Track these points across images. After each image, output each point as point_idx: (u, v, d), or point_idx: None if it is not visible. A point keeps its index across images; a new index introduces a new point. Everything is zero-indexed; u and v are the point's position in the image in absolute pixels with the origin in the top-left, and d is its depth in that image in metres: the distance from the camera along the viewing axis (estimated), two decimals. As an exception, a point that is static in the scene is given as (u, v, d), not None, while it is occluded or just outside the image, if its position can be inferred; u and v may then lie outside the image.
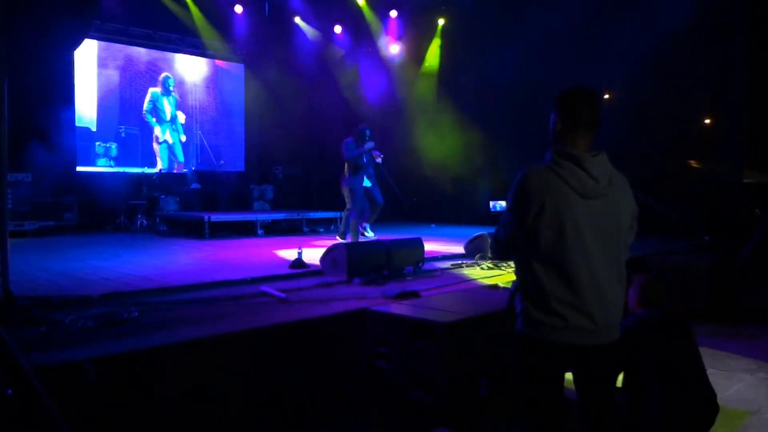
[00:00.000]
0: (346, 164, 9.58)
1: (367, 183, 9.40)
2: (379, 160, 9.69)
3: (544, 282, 2.58)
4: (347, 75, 16.04)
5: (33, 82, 10.98)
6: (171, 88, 14.93)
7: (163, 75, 14.86)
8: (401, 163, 14.12)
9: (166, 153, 14.85)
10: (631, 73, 11.24)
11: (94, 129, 13.72)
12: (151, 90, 14.67)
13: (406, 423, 4.40)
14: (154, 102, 14.69)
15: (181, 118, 15.24)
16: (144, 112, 14.55)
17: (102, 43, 13.73)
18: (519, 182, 2.63)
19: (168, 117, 14.90)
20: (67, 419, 1.92)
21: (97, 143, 13.73)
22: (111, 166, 13.65)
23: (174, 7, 14.23)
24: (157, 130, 14.71)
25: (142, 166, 14.28)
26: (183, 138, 15.23)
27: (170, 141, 14.93)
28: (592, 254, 2.56)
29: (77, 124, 13.36)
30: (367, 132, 9.46)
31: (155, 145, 14.68)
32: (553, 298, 2.56)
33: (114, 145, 13.95)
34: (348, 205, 9.71)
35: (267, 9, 14.75)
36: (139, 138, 14.53)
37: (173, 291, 5.77)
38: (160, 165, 14.58)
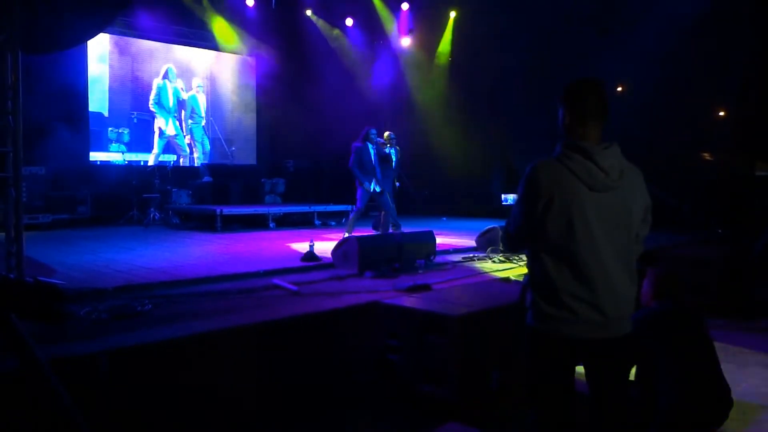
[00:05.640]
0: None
1: (376, 187, 9.31)
2: (387, 150, 9.63)
3: (554, 275, 2.57)
4: (358, 68, 16.01)
5: (46, 80, 11.06)
6: (172, 80, 14.99)
7: (165, 66, 14.93)
8: (413, 157, 14.11)
9: (163, 144, 14.92)
10: (644, 65, 11.16)
11: (106, 115, 13.84)
12: (155, 82, 14.76)
13: (418, 417, 4.40)
14: (159, 94, 14.78)
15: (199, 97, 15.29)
16: (150, 105, 14.66)
17: (114, 36, 13.81)
18: (528, 175, 2.62)
19: (170, 107, 14.97)
20: (80, 411, 1.93)
21: (110, 129, 13.86)
22: (123, 152, 13.78)
23: (186, 1, 14.26)
24: (161, 122, 14.81)
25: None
26: (185, 131, 15.37)
27: (173, 133, 14.99)
28: (601, 247, 2.54)
29: (90, 109, 13.48)
30: (373, 132, 9.39)
31: (156, 138, 14.78)
32: (562, 291, 2.55)
33: (126, 131, 14.09)
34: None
35: (273, 2, 14.74)
36: (151, 124, 14.69)
37: (186, 284, 5.81)
38: (156, 151, 14.67)
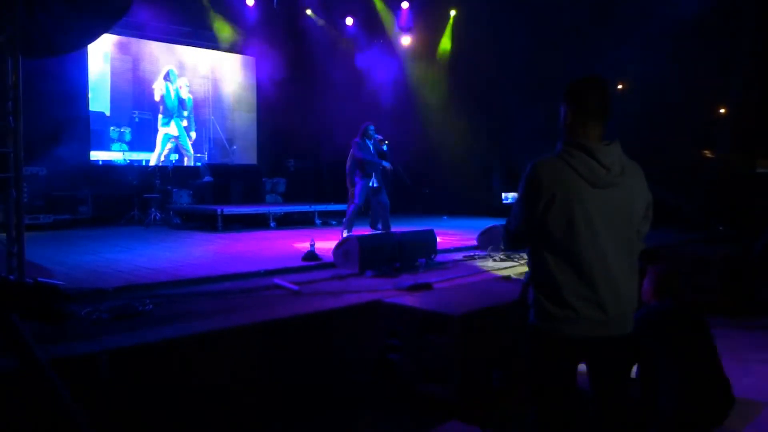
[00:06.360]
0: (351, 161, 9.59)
1: (374, 183, 9.33)
2: (385, 147, 9.65)
3: (556, 273, 2.56)
4: (358, 67, 16.01)
5: (46, 79, 11.05)
6: (173, 81, 15.01)
7: (166, 69, 14.96)
8: (413, 155, 14.10)
9: (165, 144, 14.94)
10: (644, 62, 11.15)
11: (108, 114, 13.87)
12: (157, 83, 14.79)
13: (419, 416, 4.40)
14: (162, 95, 14.81)
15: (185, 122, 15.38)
16: (160, 109, 14.73)
17: (115, 36, 13.82)
18: (529, 172, 2.60)
19: (173, 109, 15.01)
20: (82, 410, 1.94)
21: (111, 128, 13.90)
22: (125, 151, 13.82)
23: (187, 0, 14.26)
24: (164, 123, 14.84)
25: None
26: (192, 135, 15.40)
27: (175, 133, 15.02)
28: (603, 245, 2.53)
29: (91, 109, 13.51)
30: (371, 128, 9.44)
31: (159, 136, 14.81)
32: (564, 289, 2.54)
33: (128, 130, 14.13)
34: (351, 200, 9.78)
35: (275, 2, 14.74)
36: (152, 123, 14.72)
37: (187, 284, 5.81)
38: (158, 150, 14.69)
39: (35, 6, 5.44)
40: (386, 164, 9.37)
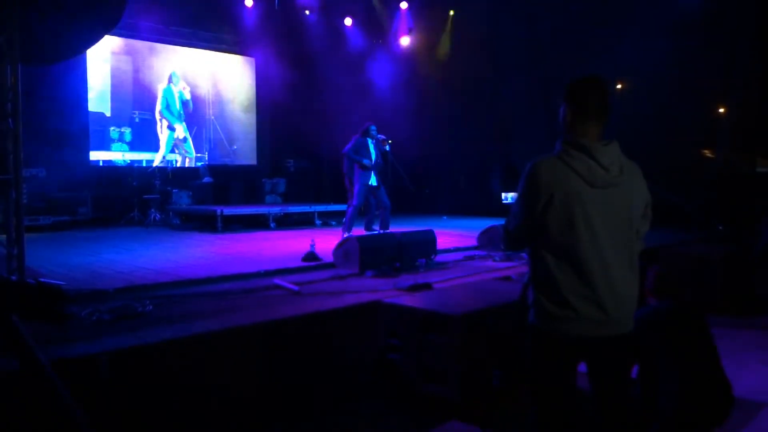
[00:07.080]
0: (346, 159, 9.58)
1: (373, 181, 9.31)
2: (387, 147, 9.63)
3: (556, 273, 2.55)
4: (358, 67, 16.01)
5: (46, 81, 11.06)
6: (177, 84, 15.03)
7: (169, 71, 15.00)
8: (413, 155, 14.10)
9: (171, 144, 14.96)
10: (645, 62, 11.15)
11: (108, 114, 13.88)
12: (161, 87, 14.80)
13: (419, 416, 4.40)
14: (166, 98, 14.83)
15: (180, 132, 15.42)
16: (158, 111, 14.73)
17: (115, 37, 13.82)
18: (528, 173, 2.60)
19: (177, 111, 15.05)
20: (83, 411, 1.93)
21: (112, 128, 13.92)
22: (125, 152, 13.84)
23: (185, 1, 14.26)
24: (170, 126, 14.85)
25: (156, 151, 14.61)
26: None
27: (181, 136, 15.05)
28: (603, 245, 2.53)
29: (91, 109, 13.53)
30: (373, 128, 9.41)
31: (161, 136, 14.83)
32: (565, 289, 2.54)
33: (128, 130, 14.15)
34: (350, 200, 9.77)
35: (277, 2, 14.76)
36: (152, 123, 14.75)
37: (187, 284, 5.81)
38: (162, 152, 14.73)
39: (30, 14, 5.44)
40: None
